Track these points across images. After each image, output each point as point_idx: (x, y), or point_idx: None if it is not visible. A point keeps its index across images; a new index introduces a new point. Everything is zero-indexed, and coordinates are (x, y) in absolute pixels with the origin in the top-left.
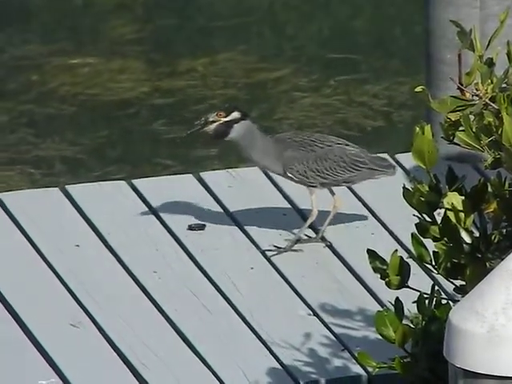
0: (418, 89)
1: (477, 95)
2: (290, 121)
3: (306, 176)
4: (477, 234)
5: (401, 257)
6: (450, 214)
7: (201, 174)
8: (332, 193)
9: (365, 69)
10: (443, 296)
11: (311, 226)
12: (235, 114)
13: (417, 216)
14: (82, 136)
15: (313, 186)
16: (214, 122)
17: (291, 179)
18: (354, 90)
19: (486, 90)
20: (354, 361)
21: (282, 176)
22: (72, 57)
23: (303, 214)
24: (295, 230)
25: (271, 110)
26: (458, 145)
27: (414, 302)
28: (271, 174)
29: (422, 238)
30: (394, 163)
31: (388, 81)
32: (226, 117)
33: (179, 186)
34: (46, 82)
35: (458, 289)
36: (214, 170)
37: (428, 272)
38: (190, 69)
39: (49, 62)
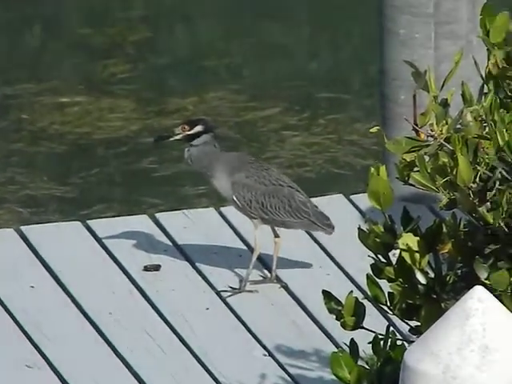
0: (374, 129)
1: (432, 136)
2: (280, 159)
3: (250, 206)
4: (432, 275)
5: (356, 297)
6: (405, 255)
7: (156, 214)
8: (275, 233)
9: (353, 108)
10: (398, 337)
11: (266, 267)
12: (198, 128)
13: (372, 257)
14: (72, 175)
15: (252, 218)
16: (178, 134)
17: (234, 204)
18: (344, 128)
19: (441, 130)
20: None
21: (224, 196)
22: (62, 95)
23: (259, 256)
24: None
25: (261, 149)
26: (413, 185)
27: (369, 343)
28: (226, 214)
29: (377, 279)
30: (333, 224)
31: (377, 120)
32: (189, 130)
33: (134, 227)
34: (36, 121)
35: (413, 329)
36: (203, 207)
37: (383, 313)
38: (179, 107)
39: (39, 101)
